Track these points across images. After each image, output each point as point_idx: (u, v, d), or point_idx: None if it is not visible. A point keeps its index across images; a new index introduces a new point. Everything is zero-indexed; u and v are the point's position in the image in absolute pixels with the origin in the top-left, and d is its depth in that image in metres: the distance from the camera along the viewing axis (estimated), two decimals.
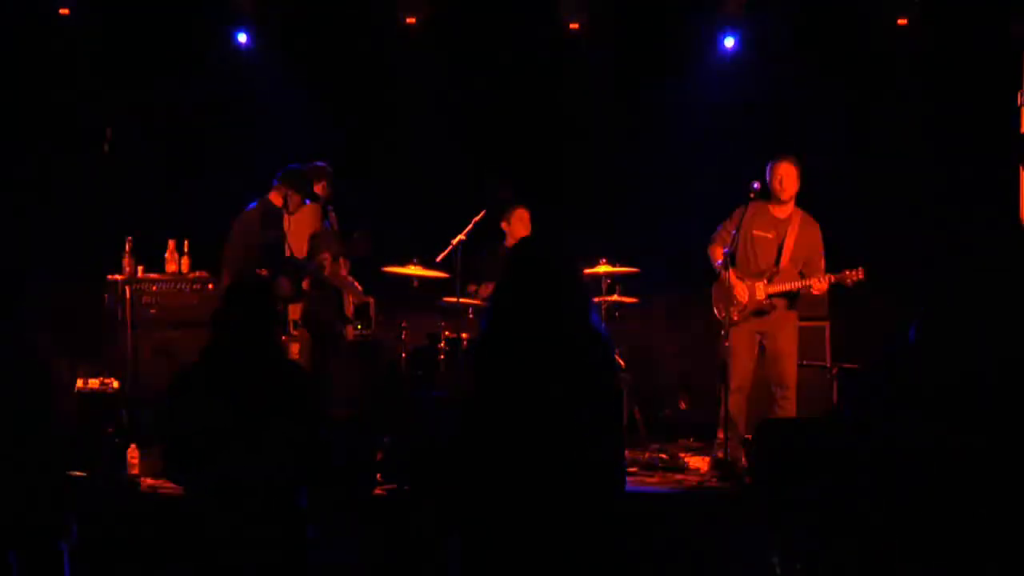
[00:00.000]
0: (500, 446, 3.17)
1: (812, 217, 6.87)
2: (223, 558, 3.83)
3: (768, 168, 6.81)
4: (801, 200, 6.91)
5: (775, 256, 6.78)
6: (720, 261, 6.75)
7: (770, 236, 6.79)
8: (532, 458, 3.14)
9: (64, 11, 7.94)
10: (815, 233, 6.85)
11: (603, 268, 7.36)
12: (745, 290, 6.74)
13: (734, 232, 6.69)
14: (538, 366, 3.18)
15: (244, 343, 3.95)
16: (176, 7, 8.19)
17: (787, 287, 6.74)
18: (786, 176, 6.75)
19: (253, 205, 6.76)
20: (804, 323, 7.23)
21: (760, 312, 6.75)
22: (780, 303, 6.78)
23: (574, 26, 8.09)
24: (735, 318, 6.70)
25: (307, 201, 7.11)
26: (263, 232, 6.67)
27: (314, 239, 7.17)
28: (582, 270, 3.32)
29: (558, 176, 8.55)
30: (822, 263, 6.81)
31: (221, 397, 3.86)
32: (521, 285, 3.26)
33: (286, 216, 6.89)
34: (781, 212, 6.83)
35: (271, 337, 4.10)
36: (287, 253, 6.78)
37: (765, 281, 6.74)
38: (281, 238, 6.77)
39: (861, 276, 6.61)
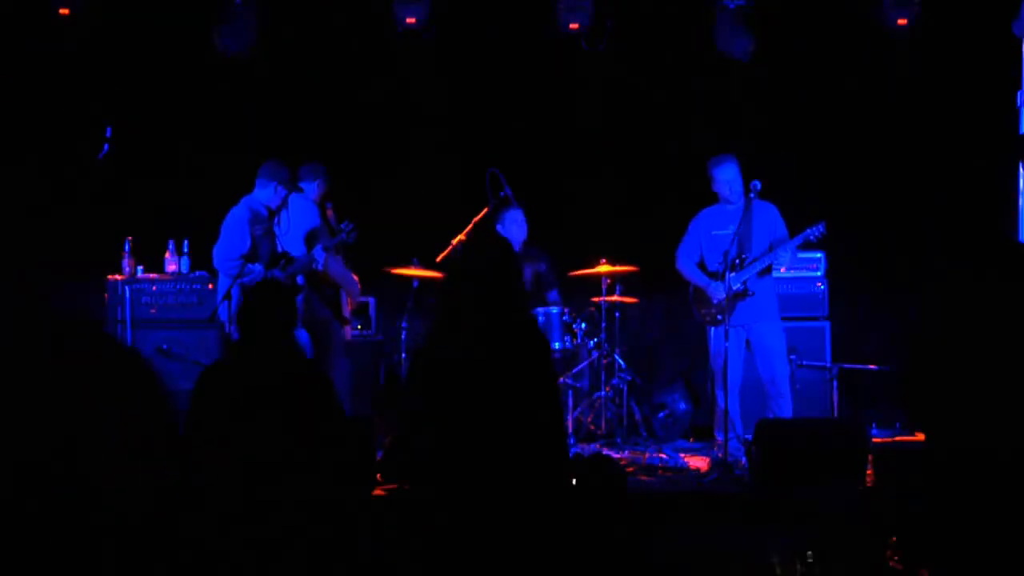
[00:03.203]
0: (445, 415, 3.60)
1: (765, 201, 6.76)
2: (246, 556, 3.84)
3: (714, 170, 6.79)
4: (800, 198, 6.89)
5: (738, 247, 6.70)
6: (692, 273, 6.84)
7: (729, 231, 6.72)
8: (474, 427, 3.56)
9: (64, 11, 7.93)
10: (772, 213, 6.81)
11: (603, 268, 7.36)
12: (720, 286, 6.66)
13: (692, 242, 6.82)
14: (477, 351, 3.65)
15: (266, 341, 4.07)
16: (177, 8, 8.18)
17: (757, 267, 6.71)
18: (734, 179, 6.75)
19: (240, 205, 6.74)
20: (804, 323, 7.20)
21: (740, 299, 6.69)
22: (760, 292, 6.74)
23: (574, 26, 8.08)
24: (719, 317, 6.67)
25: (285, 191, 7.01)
26: (252, 230, 6.66)
27: (309, 236, 7.15)
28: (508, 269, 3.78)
29: (558, 176, 8.55)
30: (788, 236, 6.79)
31: (245, 394, 3.92)
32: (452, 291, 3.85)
33: (283, 211, 6.86)
34: (733, 206, 6.81)
35: (291, 335, 4.24)
36: (277, 250, 6.77)
37: (735, 270, 6.66)
38: (270, 235, 6.74)
39: (823, 229, 6.56)
